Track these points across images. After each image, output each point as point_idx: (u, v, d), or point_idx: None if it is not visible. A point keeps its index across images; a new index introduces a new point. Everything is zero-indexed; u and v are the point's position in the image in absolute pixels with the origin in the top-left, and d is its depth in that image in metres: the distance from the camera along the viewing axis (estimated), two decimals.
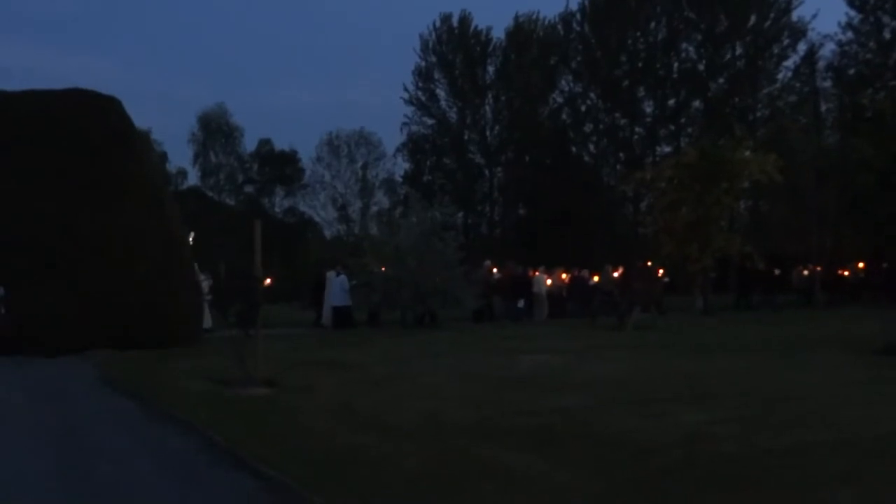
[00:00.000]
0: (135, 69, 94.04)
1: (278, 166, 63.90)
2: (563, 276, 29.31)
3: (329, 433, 8.49)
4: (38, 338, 16.29)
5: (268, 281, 27.07)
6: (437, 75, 59.02)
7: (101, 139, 18.83)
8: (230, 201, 62.65)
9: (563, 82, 56.65)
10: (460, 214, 54.43)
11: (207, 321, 20.67)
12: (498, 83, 58.28)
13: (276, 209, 64.67)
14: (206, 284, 21.88)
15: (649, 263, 28.82)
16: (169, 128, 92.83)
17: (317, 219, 63.44)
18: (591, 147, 56.09)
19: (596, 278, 28.66)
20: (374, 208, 61.76)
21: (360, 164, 62.57)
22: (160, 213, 19.44)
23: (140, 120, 21.63)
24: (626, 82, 53.09)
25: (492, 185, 59.26)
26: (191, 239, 24.48)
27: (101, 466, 7.51)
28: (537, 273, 28.61)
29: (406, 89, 59.10)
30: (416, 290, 24.17)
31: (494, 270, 28.77)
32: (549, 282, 28.31)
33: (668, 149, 50.91)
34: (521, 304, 27.28)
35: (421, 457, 7.31)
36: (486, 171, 59.47)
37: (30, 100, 19.09)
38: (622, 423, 8.68)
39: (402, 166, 60.79)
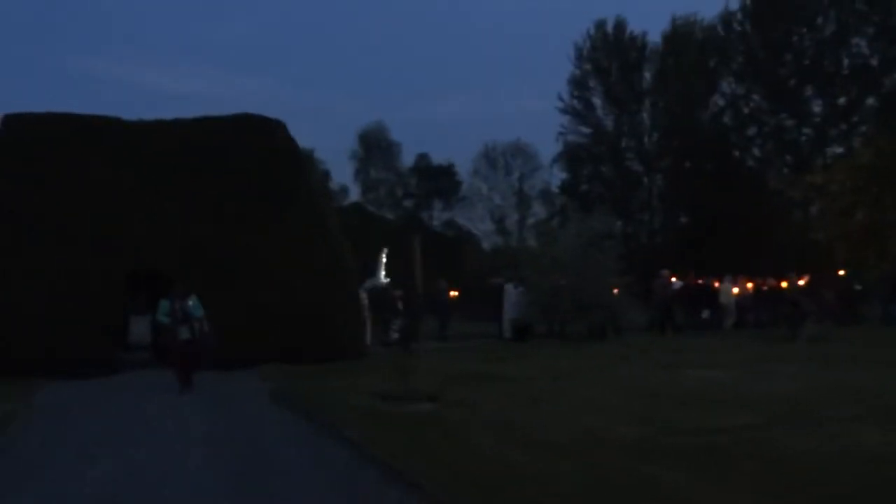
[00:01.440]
0: (298, 90, 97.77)
1: (436, 180, 64.92)
2: (749, 285, 28.23)
3: (492, 450, 8.51)
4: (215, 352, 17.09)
5: (454, 293, 27.55)
6: (592, 83, 58.40)
7: (268, 161, 19.64)
8: (390, 216, 64.05)
9: (724, 85, 54.85)
10: (619, 224, 53.56)
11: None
12: (655, 89, 57.10)
13: (435, 222, 65.66)
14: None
15: (842, 273, 27.62)
16: (331, 146, 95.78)
17: (475, 231, 64.04)
18: (756, 151, 54.04)
19: (784, 285, 27.29)
20: (532, 220, 61.76)
21: (516, 175, 62.80)
22: (324, 229, 20.06)
23: (303, 140, 22.46)
24: (792, 81, 50.93)
25: (651, 193, 58.07)
26: (384, 257, 25.32)
27: (272, 479, 7.81)
28: (722, 282, 27.72)
29: (561, 98, 58.74)
30: (575, 301, 23.93)
31: (673, 280, 28.12)
32: (735, 290, 27.36)
33: (839, 150, 48.45)
34: (705, 314, 26.60)
35: (583, 476, 7.22)
36: (645, 179, 58.32)
37: (202, 127, 20.10)
38: (795, 443, 8.30)
39: (558, 177, 60.52)
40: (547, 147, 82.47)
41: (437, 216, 66.28)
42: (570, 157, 59.17)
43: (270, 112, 20.74)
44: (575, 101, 58.57)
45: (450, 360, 17.81)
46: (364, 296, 22.34)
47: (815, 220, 36.64)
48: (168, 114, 21.02)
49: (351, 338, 19.19)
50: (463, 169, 64.51)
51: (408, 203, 65.75)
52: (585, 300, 23.80)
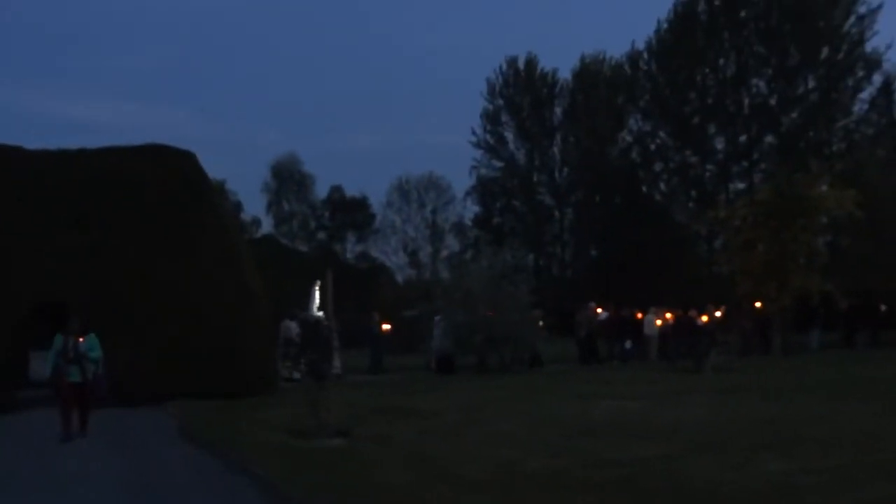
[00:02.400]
0: (209, 121, 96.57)
1: (349, 212, 64.73)
2: (668, 315, 28.73)
3: (405, 487, 8.39)
4: (119, 388, 16.56)
5: (386, 327, 27.26)
6: (504, 118, 59.26)
7: (178, 192, 19.26)
8: (303, 248, 63.47)
9: (632, 121, 56.28)
10: (531, 256, 54.20)
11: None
12: (566, 124, 58.22)
13: (349, 255, 65.33)
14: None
15: (758, 304, 28.42)
16: (243, 178, 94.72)
17: (388, 264, 63.90)
18: (662, 186, 55.41)
19: (704, 319, 27.91)
20: (445, 252, 61.95)
21: (429, 208, 62.91)
22: (235, 261, 19.73)
23: (214, 171, 22.12)
24: (695, 119, 52.49)
25: (562, 226, 58.99)
26: (317, 289, 24.89)
27: None
28: (646, 314, 28.15)
29: (474, 133, 59.44)
30: (488, 334, 23.99)
31: (599, 311, 28.47)
32: (658, 322, 27.82)
33: (741, 185, 50.04)
34: (628, 344, 27.00)
35: None
36: (557, 213, 59.24)
37: (109, 156, 19.63)
38: (704, 473, 8.41)
39: (471, 209, 60.98)
40: (460, 180, 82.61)
41: (351, 248, 66.07)
42: (483, 190, 59.80)
43: (181, 143, 20.46)
44: (487, 136, 59.37)
45: (365, 394, 17.69)
46: (294, 328, 22.14)
47: (719, 253, 37.70)
48: (74, 143, 20.44)
49: (262, 371, 18.85)
50: (376, 201, 64.53)
51: (321, 235, 65.36)
52: (498, 333, 23.90)
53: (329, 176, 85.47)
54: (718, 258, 37.00)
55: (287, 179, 62.98)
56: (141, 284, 17.97)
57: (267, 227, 63.67)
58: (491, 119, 59.20)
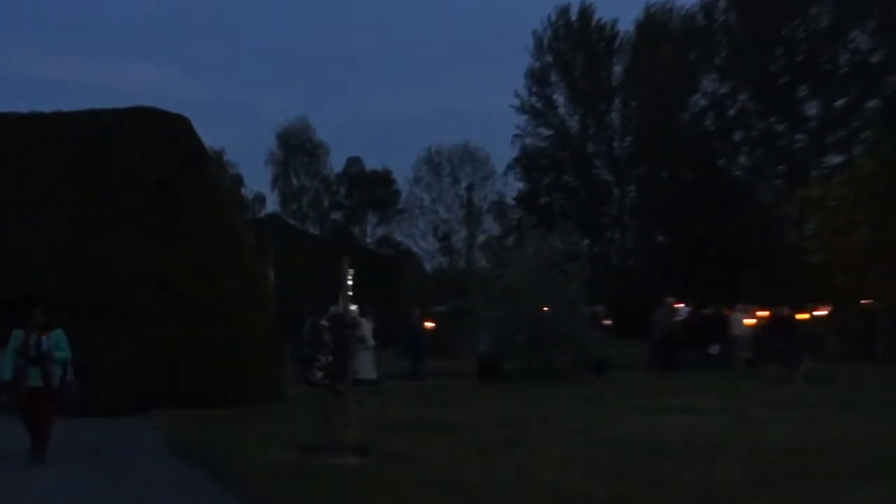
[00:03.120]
0: (205, 80, 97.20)
1: (370, 189, 65.01)
2: (762, 314, 28.47)
3: None
4: (97, 395, 16.66)
5: (430, 325, 27.42)
6: (554, 78, 59.11)
7: (169, 163, 19.33)
8: (314, 230, 63.78)
9: (706, 82, 55.88)
10: (585, 242, 54.02)
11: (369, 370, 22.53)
12: (627, 85, 57.92)
13: (368, 239, 65.59)
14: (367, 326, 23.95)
15: (864, 301, 28.16)
16: (245, 147, 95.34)
17: (415, 249, 64.04)
18: (743, 159, 55.05)
19: (804, 317, 27.68)
20: (482, 237, 61.98)
21: (464, 184, 63.07)
22: (236, 245, 19.78)
23: (212, 139, 22.20)
24: (783, 80, 51.99)
25: (622, 206, 58.83)
26: (350, 276, 25.18)
27: None
28: (733, 311, 27.93)
29: (518, 95, 59.41)
30: (533, 334, 23.95)
31: (677, 307, 28.35)
32: (747, 322, 27.57)
33: (838, 159, 49.53)
34: (714, 349, 26.77)
35: None
36: (615, 191, 59.08)
37: (89, 121, 19.75)
38: (789, 502, 8.30)
39: (514, 186, 60.98)
40: (501, 152, 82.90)
41: (371, 231, 66.47)
42: (528, 163, 59.72)
43: (172, 105, 20.52)
44: (534, 99, 59.33)
45: (389, 404, 17.70)
46: (324, 325, 22.31)
47: (811, 240, 37.36)
48: (48, 106, 20.60)
49: (267, 376, 18.90)
50: (401, 176, 64.77)
51: (336, 216, 65.67)
52: (546, 333, 23.86)
53: (346, 146, 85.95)
54: (810, 245, 36.66)
55: (296, 149, 63.32)
56: (123, 272, 18.04)
57: (272, 205, 64.21)
58: (538, 79, 59.10)
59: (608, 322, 27.32)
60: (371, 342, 24.53)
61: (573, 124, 59.42)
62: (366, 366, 23.97)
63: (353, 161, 65.31)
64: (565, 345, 24.37)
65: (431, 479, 10.02)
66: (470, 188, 62.95)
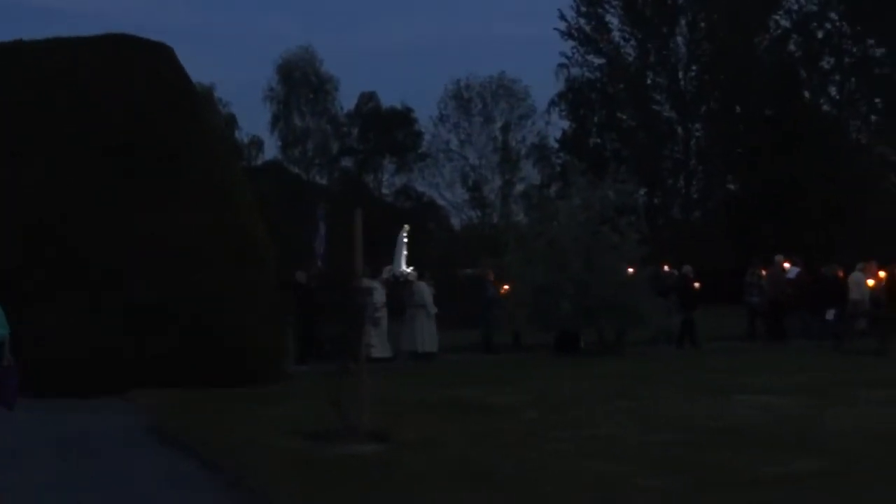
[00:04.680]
0: (192, 4, 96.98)
1: (386, 130, 64.78)
2: (881, 274, 28.32)
3: None
4: (65, 374, 16.90)
5: (506, 287, 27.80)
6: None
7: (149, 100, 19.42)
8: (322, 180, 63.84)
9: None
10: (643, 192, 53.80)
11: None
12: (694, 3, 57.41)
13: (385, 189, 65.60)
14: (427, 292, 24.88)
15: None
16: (239, 81, 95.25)
17: (441, 202, 63.98)
18: (834, 91, 54.62)
19: None
20: (520, 186, 61.82)
21: (499, 124, 62.71)
22: (229, 198, 19.89)
23: (200, 72, 22.30)
24: None
25: (688, 149, 58.46)
26: (405, 236, 26.13)
27: None
28: (853, 271, 27.81)
29: (563, 17, 58.96)
30: (580, 301, 24.04)
31: (787, 266, 28.43)
32: (870, 282, 27.39)
33: None
34: (830, 315, 26.74)
35: None
36: (680, 130, 58.69)
37: (53, 51, 19.85)
38: (877, 496, 8.40)
39: (558, 126, 60.63)
40: (542, 86, 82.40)
41: (389, 181, 66.32)
42: (575, 98, 59.42)
43: (154, 33, 20.60)
44: (581, 21, 58.88)
45: (412, 384, 18.01)
46: (380, 290, 23.39)
47: None
48: (8, 33, 20.70)
49: (267, 351, 19.09)
50: (424, 115, 64.44)
51: (347, 162, 65.60)
52: (593, 301, 23.98)
53: (358, 80, 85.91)
54: None
55: (300, 84, 63.21)
56: (95, 230, 18.21)
57: (272, 150, 64.21)
58: None
59: (698, 285, 27.54)
60: (433, 308, 25.26)
61: (629, 51, 58.98)
62: (426, 336, 25.00)
63: (367, 97, 65.04)
64: (619, 314, 24.47)
65: (457, 470, 10.14)
66: (505, 129, 62.55)
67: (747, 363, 20.79)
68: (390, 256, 26.68)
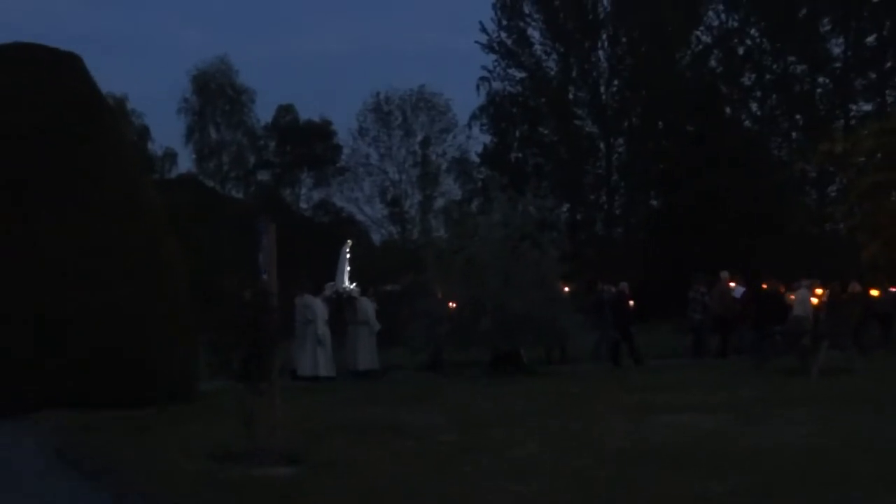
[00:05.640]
0: (101, 11, 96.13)
1: (304, 144, 64.70)
2: (818, 291, 28.69)
3: None
4: None
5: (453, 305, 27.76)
6: (528, 8, 59.05)
7: (55, 111, 19.16)
8: (238, 193, 63.63)
9: (711, 14, 56.21)
10: (565, 208, 54.29)
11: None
12: (616, 17, 57.99)
13: (303, 204, 65.52)
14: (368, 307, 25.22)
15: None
16: (152, 93, 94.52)
17: (360, 217, 64.01)
18: (755, 107, 55.44)
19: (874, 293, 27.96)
20: (441, 201, 62.09)
21: (419, 138, 62.99)
22: (139, 212, 19.69)
23: (111, 82, 22.06)
24: (802, 11, 52.34)
25: (609, 164, 59.01)
26: (347, 250, 26.20)
27: None
28: (797, 288, 28.09)
29: (484, 30, 59.28)
30: (499, 319, 24.11)
31: (732, 285, 28.75)
32: (814, 300, 27.68)
33: (867, 107, 50.02)
34: (777, 332, 26.99)
35: None
36: (602, 145, 59.24)
37: None
38: None
39: (479, 140, 60.95)
40: (463, 100, 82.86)
41: (307, 195, 66.29)
42: (497, 112, 59.74)
43: (61, 42, 20.32)
44: (503, 34, 59.24)
45: (327, 404, 17.98)
46: (323, 307, 24.05)
47: (836, 204, 37.78)
48: None
49: (177, 370, 18.92)
50: (343, 128, 64.48)
51: (264, 176, 65.42)
52: (512, 318, 24.08)
53: (275, 92, 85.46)
54: (834, 211, 37.11)
55: (215, 96, 62.97)
56: None
57: (186, 163, 63.84)
58: (509, 10, 58.99)
59: (631, 303, 27.90)
60: (376, 325, 25.54)
61: (551, 65, 59.49)
62: (366, 354, 25.11)
63: (285, 110, 64.94)
64: (539, 332, 24.65)
65: (373, 494, 10.12)
66: (426, 143, 62.88)
67: (671, 381, 20.98)
68: (312, 272, 26.79)
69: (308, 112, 65.47)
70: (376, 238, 63.91)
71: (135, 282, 18.56)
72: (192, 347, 19.79)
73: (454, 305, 26.40)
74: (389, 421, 15.46)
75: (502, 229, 25.71)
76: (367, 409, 17.22)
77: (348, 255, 27.31)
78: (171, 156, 64.29)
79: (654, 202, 57.77)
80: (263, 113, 64.57)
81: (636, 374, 24.09)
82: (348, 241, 28.06)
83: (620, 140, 58.98)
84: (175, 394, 18.20)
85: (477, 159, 60.52)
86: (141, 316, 18.32)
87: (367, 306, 25.69)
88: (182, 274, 20.45)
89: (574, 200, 57.13)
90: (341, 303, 25.82)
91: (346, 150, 63.98)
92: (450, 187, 62.56)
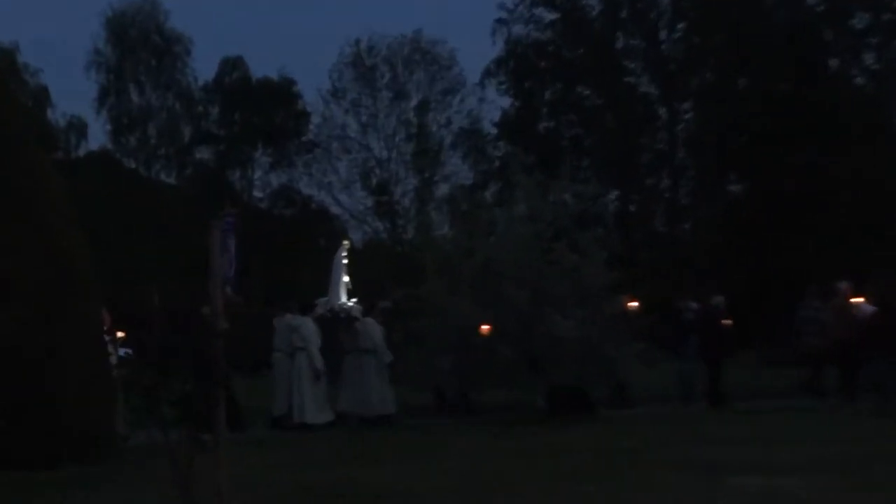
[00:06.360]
0: None
1: (259, 111, 64.62)
2: None
3: None
4: None
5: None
6: None
7: None
8: (169, 178, 63.55)
9: None
10: (614, 196, 54.25)
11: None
12: None
13: (258, 192, 65.45)
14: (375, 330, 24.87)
15: None
16: (53, 42, 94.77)
17: (335, 209, 63.86)
18: (869, 58, 55.44)
19: None
20: (444, 187, 61.96)
21: (414, 102, 62.87)
22: (37, 207, 19.73)
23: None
24: None
25: (673, 136, 59.00)
26: (343, 254, 26.19)
27: None
28: None
29: None
30: (524, 347, 24.08)
31: (857, 301, 28.69)
32: None
33: None
34: None
35: None
36: (662, 111, 59.22)
37: None
38: None
39: (496, 105, 60.89)
40: (474, 49, 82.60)
41: (263, 180, 66.21)
42: (519, 67, 59.65)
43: None
44: None
45: (294, 460, 18.04)
46: (315, 332, 24.15)
47: None
48: None
49: (91, 418, 18.94)
50: (310, 90, 64.45)
51: (203, 154, 65.37)
52: (542, 345, 24.03)
53: (219, 42, 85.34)
54: None
55: (137, 46, 62.97)
56: None
57: (98, 136, 63.80)
58: None
59: (728, 322, 27.87)
60: (387, 355, 25.17)
61: (592, 2, 59.55)
62: (377, 393, 24.91)
63: (231, 65, 64.93)
64: (579, 364, 24.51)
65: None
66: (423, 108, 62.80)
67: (761, 430, 20.93)
68: (273, 279, 26.86)
69: (263, 67, 65.53)
70: (357, 237, 63.80)
71: (24, 303, 18.58)
72: (108, 385, 19.81)
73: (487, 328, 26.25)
74: (370, 484, 15.47)
75: (528, 225, 25.65)
76: (344, 467, 17.25)
77: (345, 262, 27.26)
78: (78, 127, 64.23)
79: (733, 187, 57.64)
80: (204, 69, 64.58)
81: (714, 420, 23.88)
82: (344, 242, 28.15)
83: (687, 104, 58.89)
84: (90, 449, 18.23)
85: (493, 130, 60.46)
86: (48, 347, 18.35)
87: (374, 329, 25.29)
88: (90, 290, 20.46)
89: (625, 186, 57.08)
90: (338, 324, 25.69)
91: (315, 119, 63.95)
92: (456, 168, 62.51)
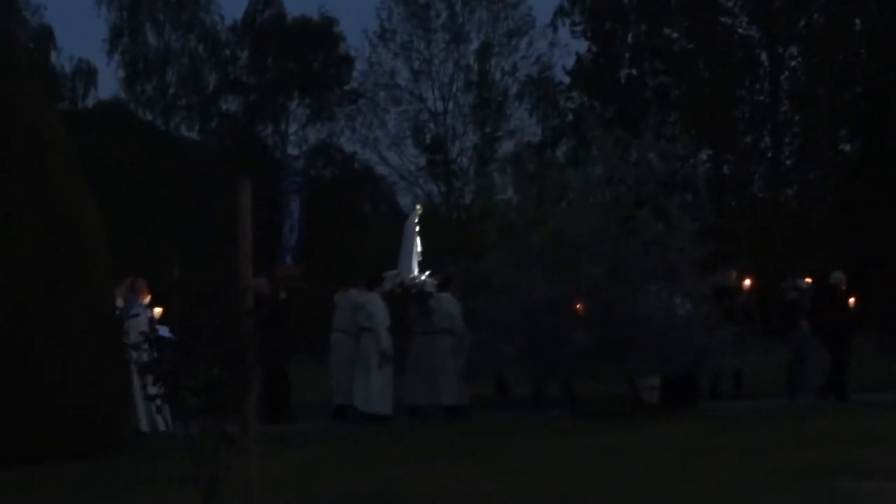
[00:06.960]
0: None
1: (295, 56, 64.65)
2: None
3: None
4: None
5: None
6: None
7: None
8: (191, 132, 63.69)
9: None
10: (705, 156, 54.06)
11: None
12: None
13: (292, 149, 65.49)
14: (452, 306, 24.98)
15: None
16: None
17: (382, 169, 63.84)
18: None
19: None
20: (508, 145, 61.88)
21: (474, 45, 62.80)
22: (41, 170, 19.85)
23: None
24: None
25: (776, 86, 58.72)
26: (416, 220, 26.30)
27: None
28: None
29: None
30: (602, 329, 24.11)
31: None
32: None
33: None
34: None
35: None
36: (764, 56, 58.97)
37: None
38: None
39: (569, 49, 60.78)
40: None
41: (299, 135, 66.18)
42: (598, 6, 59.52)
43: None
44: None
45: (338, 458, 18.10)
46: (383, 310, 24.32)
47: None
48: None
49: (101, 406, 19.06)
50: (355, 31, 64.67)
51: (230, 105, 65.47)
52: (620, 327, 24.03)
53: None
54: None
55: None
56: None
57: (110, 85, 64.15)
58: None
59: (853, 301, 27.87)
60: (466, 335, 25.21)
61: None
62: (452, 381, 25.00)
63: (263, 1, 65.00)
64: (666, 351, 24.44)
65: None
66: (484, 53, 62.72)
67: (879, 428, 20.76)
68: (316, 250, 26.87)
69: (300, 5, 65.68)
70: (407, 202, 63.78)
71: (26, 278, 18.70)
72: (120, 373, 19.95)
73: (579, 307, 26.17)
74: (426, 486, 15.47)
75: (606, 189, 25.69)
76: (392, 465, 17.29)
77: (417, 229, 27.20)
78: (86, 72, 64.40)
79: (847, 146, 57.33)
80: (231, 6, 64.81)
81: (825, 416, 23.50)
82: (417, 206, 28.06)
83: (793, 49, 58.62)
84: (101, 440, 18.37)
85: (565, 79, 60.35)
86: (51, 329, 18.49)
87: (450, 306, 25.41)
88: (103, 263, 20.58)
89: (720, 145, 56.87)
90: (409, 301, 26.01)
91: (359, 65, 63.87)
92: (523, 123, 62.35)
